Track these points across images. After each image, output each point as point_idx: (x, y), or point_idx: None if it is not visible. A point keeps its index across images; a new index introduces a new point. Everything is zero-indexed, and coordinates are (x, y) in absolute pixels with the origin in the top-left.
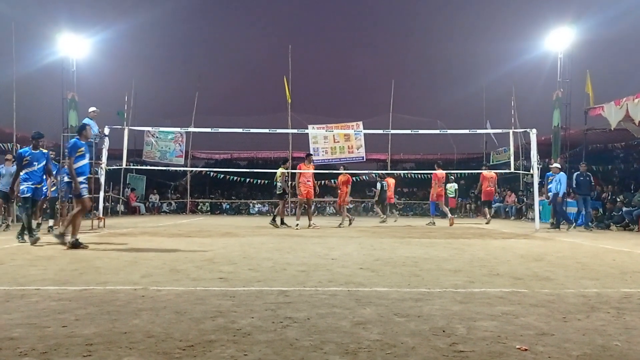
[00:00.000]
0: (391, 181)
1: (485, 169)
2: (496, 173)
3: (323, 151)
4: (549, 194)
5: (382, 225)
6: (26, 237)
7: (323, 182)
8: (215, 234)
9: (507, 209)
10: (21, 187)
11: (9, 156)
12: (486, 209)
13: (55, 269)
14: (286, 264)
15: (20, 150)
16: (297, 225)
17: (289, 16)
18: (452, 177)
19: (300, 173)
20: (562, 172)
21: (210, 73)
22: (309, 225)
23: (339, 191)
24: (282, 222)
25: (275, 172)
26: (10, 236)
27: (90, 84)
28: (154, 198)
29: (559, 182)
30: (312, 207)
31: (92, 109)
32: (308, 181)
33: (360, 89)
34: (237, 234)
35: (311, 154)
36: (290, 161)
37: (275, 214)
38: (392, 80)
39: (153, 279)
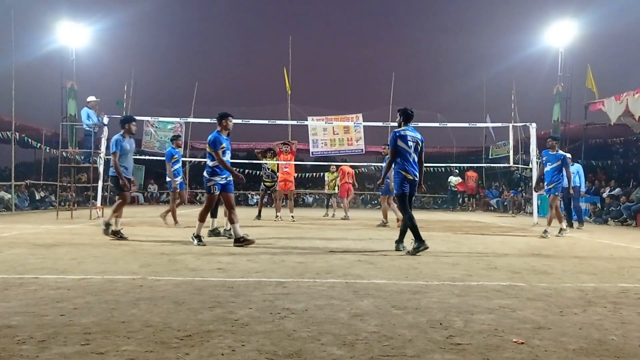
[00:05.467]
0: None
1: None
2: (476, 171)
3: (322, 143)
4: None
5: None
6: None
7: (323, 174)
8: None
9: (505, 203)
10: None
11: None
12: (469, 201)
13: (54, 257)
14: (284, 255)
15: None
16: (278, 216)
17: (290, 7)
18: (457, 171)
19: (279, 163)
20: (577, 163)
21: (210, 63)
22: (276, 216)
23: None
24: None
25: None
26: (7, 224)
27: (89, 73)
28: (153, 188)
29: (576, 174)
30: (291, 199)
31: (91, 98)
32: (285, 168)
33: (360, 81)
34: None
35: (287, 143)
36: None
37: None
38: (392, 72)
39: (151, 269)
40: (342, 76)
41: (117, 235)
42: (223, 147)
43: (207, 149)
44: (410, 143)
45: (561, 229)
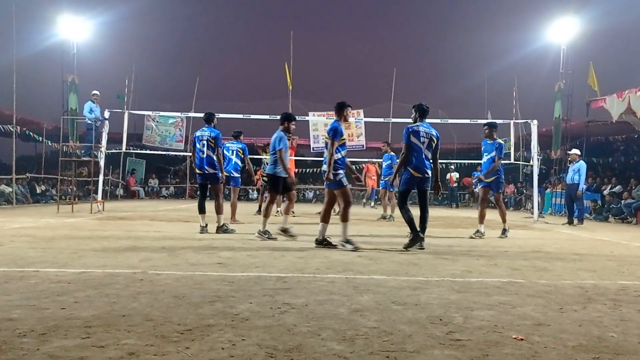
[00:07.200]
0: None
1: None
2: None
3: (323, 138)
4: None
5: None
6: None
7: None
8: (214, 220)
9: (506, 200)
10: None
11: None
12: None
13: (54, 251)
14: (284, 250)
15: None
16: (278, 212)
17: (291, 2)
18: (452, 167)
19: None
20: (581, 160)
21: (211, 58)
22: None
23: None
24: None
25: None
26: (8, 218)
27: (90, 67)
28: (153, 182)
29: (577, 172)
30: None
31: (94, 92)
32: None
33: (361, 77)
34: (236, 219)
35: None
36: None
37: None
38: (394, 68)
39: (152, 263)
40: (343, 72)
41: (266, 235)
42: (343, 140)
43: (327, 140)
44: (422, 139)
45: (504, 230)
